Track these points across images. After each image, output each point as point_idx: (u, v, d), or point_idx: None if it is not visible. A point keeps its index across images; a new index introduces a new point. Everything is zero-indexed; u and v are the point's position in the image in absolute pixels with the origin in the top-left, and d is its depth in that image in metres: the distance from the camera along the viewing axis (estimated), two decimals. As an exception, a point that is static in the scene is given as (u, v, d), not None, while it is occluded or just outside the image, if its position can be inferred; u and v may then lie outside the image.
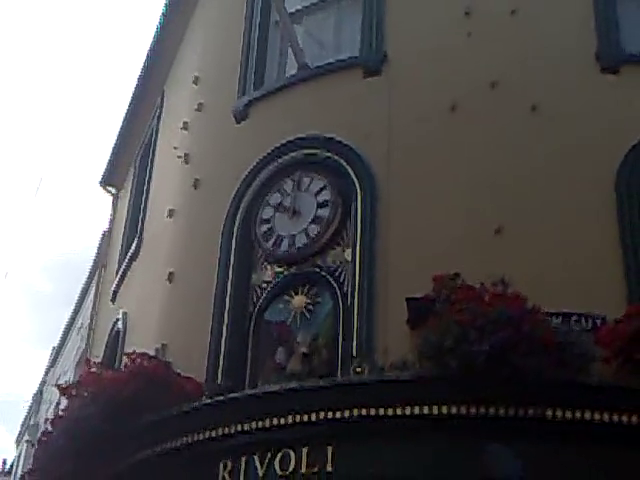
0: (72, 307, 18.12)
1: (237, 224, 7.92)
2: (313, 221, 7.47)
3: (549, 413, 5.72)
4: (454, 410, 5.80)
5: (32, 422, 20.92)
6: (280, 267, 7.53)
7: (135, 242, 10.53)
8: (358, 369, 6.31)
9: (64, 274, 57.43)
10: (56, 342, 20.14)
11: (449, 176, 7.15)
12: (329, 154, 7.65)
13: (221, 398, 6.64)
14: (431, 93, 7.54)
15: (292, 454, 6.14)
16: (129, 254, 10.67)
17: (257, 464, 6.26)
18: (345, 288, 7.03)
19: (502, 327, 5.68)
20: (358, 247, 7.06)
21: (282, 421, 6.21)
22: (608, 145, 7.04)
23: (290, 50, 8.61)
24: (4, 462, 25.62)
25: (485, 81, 7.36)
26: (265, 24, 9.12)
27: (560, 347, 5.75)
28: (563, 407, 5.71)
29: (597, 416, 5.72)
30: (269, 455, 6.22)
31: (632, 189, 6.91)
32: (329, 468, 6.00)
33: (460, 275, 6.36)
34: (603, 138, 7.07)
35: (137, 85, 11.96)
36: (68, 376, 15.36)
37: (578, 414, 5.71)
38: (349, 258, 7.13)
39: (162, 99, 11.25)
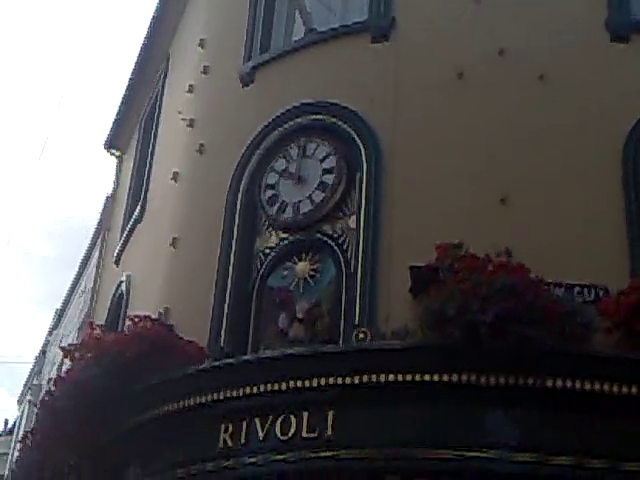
0: (75, 270, 18.17)
1: (242, 189, 7.90)
2: (318, 187, 7.44)
3: (550, 382, 5.74)
4: (455, 378, 5.83)
5: (34, 383, 21.09)
6: (284, 233, 7.52)
7: (139, 206, 10.52)
8: (360, 336, 6.33)
9: (66, 238, 57.50)
10: (59, 305, 20.23)
11: (454, 144, 7.12)
12: (335, 120, 7.60)
13: (223, 362, 6.68)
14: (438, 60, 7.47)
15: (293, 418, 6.19)
16: (133, 218, 10.67)
17: (258, 427, 6.32)
18: (349, 255, 7.03)
19: (505, 297, 5.69)
20: (362, 214, 7.05)
21: (283, 386, 6.24)
22: (616, 115, 6.99)
23: (297, 14, 8.53)
24: (6, 422, 25.87)
25: (493, 49, 7.28)
26: (272, -13, 9.02)
27: (562, 317, 5.76)
28: (564, 377, 5.74)
29: (597, 386, 5.74)
30: (270, 419, 6.27)
31: (638, 159, 6.87)
32: (329, 433, 6.05)
33: (464, 244, 6.35)
34: (611, 107, 7.01)
35: (142, 47, 11.86)
36: (71, 338, 15.44)
37: (578, 384, 5.74)
38: (353, 225, 7.13)
39: (167, 62, 11.17)
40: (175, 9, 10.99)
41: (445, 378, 5.84)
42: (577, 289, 6.24)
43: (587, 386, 5.74)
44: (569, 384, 5.74)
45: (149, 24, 11.55)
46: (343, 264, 7.04)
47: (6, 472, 18.17)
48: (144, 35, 11.73)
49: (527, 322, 5.59)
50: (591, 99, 7.08)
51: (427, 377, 5.88)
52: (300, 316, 6.99)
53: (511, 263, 6.05)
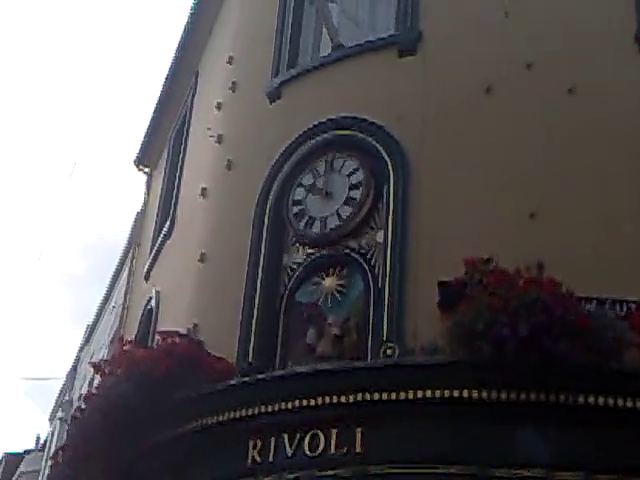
0: (105, 287, 18.30)
1: (269, 205, 7.92)
2: (345, 202, 7.44)
3: (581, 399, 5.67)
4: (485, 394, 5.77)
5: (66, 399, 21.22)
6: (312, 248, 7.52)
7: (168, 222, 10.59)
8: (388, 352, 6.29)
9: (97, 255, 58.10)
10: (89, 321, 20.38)
11: (482, 158, 7.08)
12: (362, 135, 7.60)
13: (251, 378, 6.68)
14: (466, 74, 7.45)
15: (321, 435, 6.17)
16: (162, 233, 10.74)
17: (286, 444, 6.30)
18: (376, 270, 7.00)
19: (535, 312, 5.63)
20: (390, 229, 7.03)
21: (312, 402, 6.23)
22: (646, 127, 6.91)
23: (324, 29, 8.56)
24: (37, 438, 26.06)
25: (521, 62, 7.25)
26: (300, 3, 9.07)
27: (593, 332, 5.68)
28: (595, 393, 5.66)
29: (630, 403, 5.66)
30: (298, 435, 6.25)
31: (670, 172, 6.78)
32: (358, 449, 6.01)
33: (493, 259, 6.30)
34: (641, 120, 6.94)
35: (171, 65, 11.98)
36: (102, 354, 15.53)
37: (611, 400, 5.66)
38: (381, 240, 7.10)
39: (196, 79, 11.26)
40: (204, 26, 11.09)
41: (475, 394, 5.79)
42: (609, 304, 6.15)
43: (620, 403, 5.65)
44: (601, 401, 5.66)
45: (178, 41, 11.67)
46: (371, 279, 7.01)
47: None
48: (173, 52, 11.87)
49: (557, 337, 5.53)
50: (620, 112, 7.01)
51: (456, 393, 5.83)
52: (335, 332, 6.95)
53: (541, 278, 5.99)
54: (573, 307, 5.75)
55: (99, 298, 19.09)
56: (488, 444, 5.73)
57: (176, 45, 11.73)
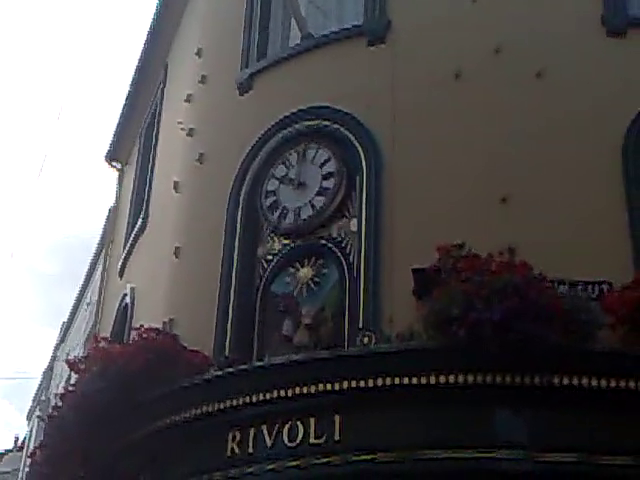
0: (78, 286, 18.20)
1: (242, 197, 7.90)
2: (318, 193, 7.44)
3: (556, 380, 5.72)
4: (461, 379, 5.80)
5: (43, 397, 21.09)
6: (286, 239, 7.52)
7: (141, 217, 10.53)
8: (365, 340, 6.31)
9: (67, 254, 57.60)
10: (64, 319, 20.25)
11: (454, 145, 7.10)
12: (334, 125, 7.60)
13: (229, 371, 6.67)
14: (435, 61, 7.47)
15: (300, 425, 6.17)
16: (135, 229, 10.68)
17: (265, 435, 6.30)
18: (351, 259, 7.03)
19: (508, 295, 5.67)
20: (364, 218, 7.04)
21: (289, 392, 6.23)
22: (615, 110, 6.98)
23: (293, 20, 8.54)
24: (16, 439, 25.90)
25: (490, 47, 7.28)
26: (267, -6, 9.03)
27: (566, 314, 5.74)
28: (569, 374, 5.71)
29: (604, 383, 5.72)
30: (277, 426, 6.26)
31: (639, 154, 6.85)
32: (337, 438, 6.03)
33: (465, 245, 6.34)
34: (610, 103, 7.00)
35: (140, 58, 11.90)
36: (78, 351, 15.43)
37: (585, 381, 5.71)
38: (355, 229, 7.12)
39: (165, 72, 11.19)
40: (172, 19, 11.02)
41: (451, 379, 5.82)
42: (581, 286, 6.21)
43: (593, 383, 5.71)
44: (575, 381, 5.71)
45: (146, 35, 11.59)
46: (346, 268, 7.03)
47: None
48: (141, 46, 11.78)
49: (531, 320, 5.58)
50: (589, 95, 7.07)
51: (433, 379, 5.86)
52: (307, 322, 6.97)
53: (514, 262, 6.04)
54: (546, 290, 5.81)
55: (72, 296, 18.99)
56: (466, 428, 5.76)
57: (144, 38, 11.65)
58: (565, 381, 5.71)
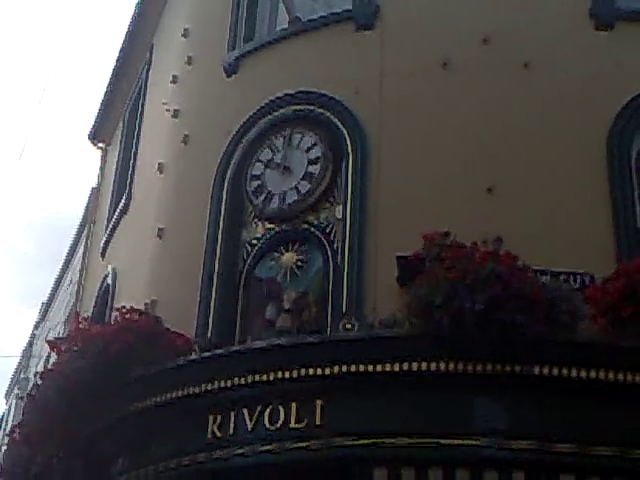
0: (57, 266, 18.11)
1: (227, 180, 7.88)
2: (304, 178, 7.43)
3: (536, 370, 5.76)
4: (442, 366, 5.84)
5: (22, 376, 21.01)
6: (270, 224, 7.51)
7: (124, 197, 10.47)
8: (347, 326, 6.32)
9: (47, 234, 57.11)
10: (42, 299, 20.17)
11: (441, 133, 7.12)
12: (320, 110, 7.59)
13: (210, 353, 6.66)
14: (424, 48, 7.47)
15: (281, 409, 6.19)
16: (118, 209, 10.62)
17: (246, 418, 6.31)
18: (335, 245, 7.03)
19: (491, 284, 5.70)
20: (349, 204, 7.05)
21: (271, 376, 6.24)
22: (601, 102, 7.02)
23: (281, 3, 8.49)
24: (-6, 416, 25.80)
25: (478, 37, 7.29)
26: (256, -24, 8.97)
27: (549, 305, 5.77)
28: (551, 364, 5.76)
29: (584, 373, 5.76)
30: (258, 410, 6.26)
31: (623, 147, 6.90)
32: (318, 422, 6.05)
33: (450, 233, 6.36)
34: (596, 95, 7.04)
35: (125, 38, 11.79)
36: (58, 331, 15.39)
37: (565, 371, 5.76)
38: (340, 215, 7.12)
39: (151, 52, 11.10)
40: (158, -1, 10.92)
41: (433, 367, 5.85)
42: (563, 276, 6.26)
43: (574, 373, 5.76)
44: (555, 371, 5.76)
45: (132, 14, 11.47)
46: (330, 254, 7.03)
47: (-6, 466, 18.08)
48: (127, 25, 11.66)
49: (514, 310, 5.61)
50: (576, 87, 7.10)
51: (415, 366, 5.88)
52: (287, 306, 6.98)
53: (498, 251, 6.07)
54: (529, 280, 5.84)
55: (49, 276, 18.90)
56: (447, 415, 5.80)
57: (130, 18, 11.54)
58: (545, 371, 5.75)
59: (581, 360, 5.80)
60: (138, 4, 11.28)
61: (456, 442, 5.72)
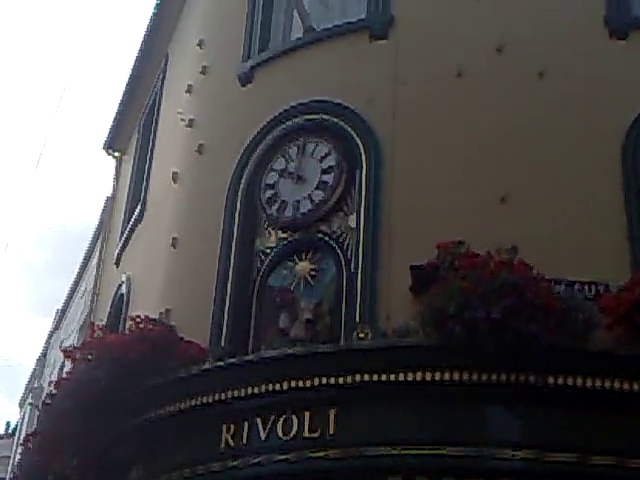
0: (72, 274, 18.19)
1: (241, 189, 7.90)
2: (317, 187, 7.44)
3: (551, 380, 5.74)
4: (456, 376, 5.82)
5: (36, 385, 21.08)
6: (284, 233, 7.52)
7: (139, 206, 10.51)
8: (361, 335, 6.31)
9: (58, 243, 57.40)
10: (55, 307, 20.25)
11: (454, 142, 7.11)
12: (334, 119, 7.60)
13: (224, 362, 6.66)
14: (438, 58, 7.47)
15: (294, 418, 6.18)
16: (133, 218, 10.66)
17: (260, 428, 6.31)
18: (349, 254, 7.03)
19: (505, 294, 5.68)
20: (362, 213, 7.04)
21: (284, 386, 6.24)
22: (615, 111, 6.99)
23: (296, 13, 8.52)
24: (7, 425, 25.92)
25: (492, 46, 7.28)
26: (271, -14, 9.01)
27: (563, 314, 5.75)
28: (565, 374, 5.73)
29: (598, 383, 5.74)
30: (272, 419, 6.27)
31: (638, 155, 6.88)
32: (331, 432, 6.04)
33: (464, 242, 6.34)
34: (610, 104, 7.01)
35: (141, 48, 11.86)
36: (72, 340, 15.43)
37: (580, 381, 5.73)
38: (353, 224, 7.12)
39: (166, 62, 11.17)
40: (173, 9, 10.99)
41: (446, 376, 5.83)
42: (578, 286, 6.23)
43: (588, 383, 5.73)
44: (570, 381, 5.73)
45: (147, 24, 11.54)
46: (343, 263, 7.03)
47: (8, 475, 18.16)
48: (143, 35, 11.73)
49: (528, 319, 5.59)
50: (590, 96, 7.08)
51: (429, 375, 5.87)
52: (308, 317, 6.97)
53: (512, 260, 6.04)
54: (543, 289, 5.81)
55: (63, 285, 19.02)
56: (460, 425, 5.79)
57: (146, 28, 11.61)
58: (560, 381, 5.72)
59: (596, 370, 5.76)
60: (153, 15, 11.35)
61: (470, 452, 5.69)
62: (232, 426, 6.44)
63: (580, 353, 5.79)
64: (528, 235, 6.45)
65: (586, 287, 6.28)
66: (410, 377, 5.90)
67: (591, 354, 5.81)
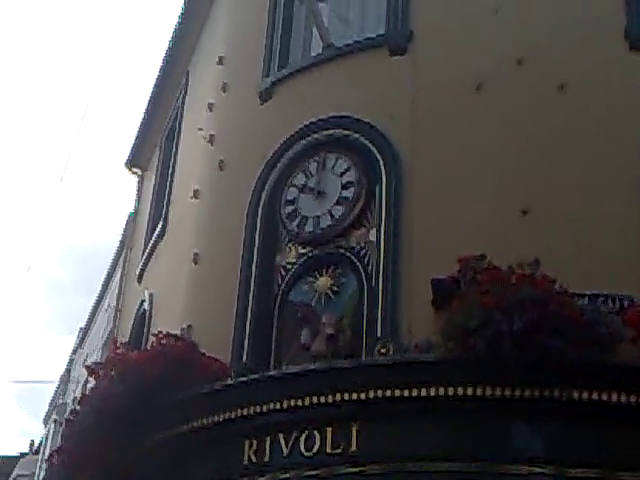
0: (95, 291, 18.32)
1: (262, 205, 7.92)
2: (338, 202, 7.44)
3: (575, 394, 5.68)
4: (479, 391, 5.78)
5: (60, 402, 21.18)
6: (304, 248, 7.52)
7: (160, 223, 10.57)
8: (382, 350, 6.30)
9: (83, 260, 57.84)
10: (79, 325, 20.38)
11: (474, 156, 7.09)
12: (354, 134, 7.61)
13: (246, 378, 6.67)
14: (457, 72, 7.46)
15: (317, 434, 6.16)
16: (155, 235, 10.72)
17: (282, 444, 6.29)
18: (370, 269, 7.01)
19: (528, 308, 5.64)
20: (383, 228, 7.03)
21: (307, 401, 6.22)
22: (636, 122, 6.93)
23: (315, 29, 8.56)
24: (32, 443, 26.08)
25: (511, 59, 7.26)
26: (290, 3, 9.07)
27: (587, 328, 5.70)
28: (589, 388, 5.68)
29: (624, 398, 5.67)
30: (294, 435, 6.25)
31: (661, 168, 6.81)
32: (353, 448, 6.01)
33: (486, 256, 6.31)
34: (631, 116, 6.96)
35: (162, 66, 11.96)
36: (95, 356, 15.51)
37: (605, 395, 5.67)
38: (374, 239, 7.11)
39: (187, 79, 11.25)
40: (194, 27, 11.08)
41: (469, 391, 5.80)
42: (601, 299, 6.17)
43: (613, 397, 5.67)
44: (595, 396, 5.67)
45: (168, 42, 11.65)
46: (364, 278, 7.02)
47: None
48: (163, 53, 11.84)
49: (551, 333, 5.54)
50: (611, 108, 7.03)
51: (451, 390, 5.83)
52: (329, 332, 6.95)
53: (534, 274, 6.00)
54: (566, 303, 5.77)
55: (85, 302, 19.20)
56: (483, 441, 5.74)
57: (166, 46, 11.72)
58: (585, 395, 5.67)
59: (621, 384, 5.70)
60: (174, 33, 11.45)
61: (493, 468, 5.64)
62: (254, 442, 6.43)
63: (604, 367, 5.73)
64: (550, 248, 6.40)
65: (610, 300, 6.21)
66: (432, 392, 5.87)
67: (616, 368, 5.74)
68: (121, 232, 15.58)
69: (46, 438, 22.15)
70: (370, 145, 7.46)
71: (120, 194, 57.21)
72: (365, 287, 6.97)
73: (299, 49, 8.91)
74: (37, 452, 23.78)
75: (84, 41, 58.96)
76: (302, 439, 6.21)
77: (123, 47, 48.82)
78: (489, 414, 5.78)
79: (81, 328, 20.55)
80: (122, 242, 15.40)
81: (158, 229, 10.60)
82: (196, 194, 9.07)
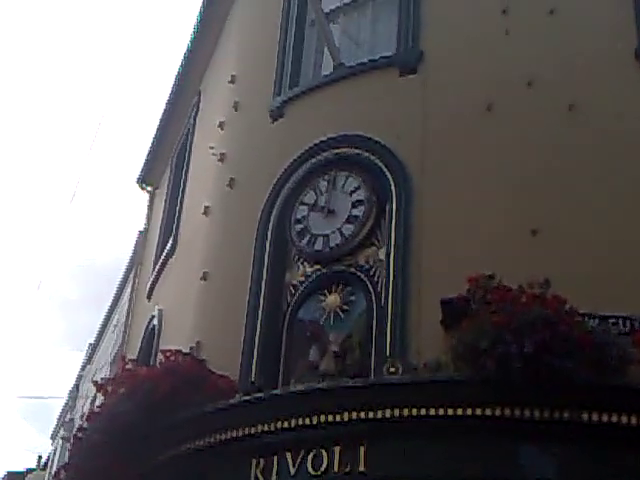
0: (103, 308, 18.37)
1: (272, 223, 7.94)
2: (347, 220, 7.45)
3: (585, 416, 5.65)
4: (488, 412, 5.75)
5: (68, 418, 21.17)
6: (314, 266, 7.53)
7: (171, 240, 10.61)
8: (391, 369, 6.28)
9: (88, 278, 58.00)
10: (88, 341, 20.41)
11: (484, 176, 7.10)
12: (364, 153, 7.63)
13: (254, 396, 6.65)
14: (467, 92, 7.49)
15: (324, 453, 6.14)
16: (165, 252, 10.75)
17: (289, 463, 6.27)
18: (379, 287, 7.01)
19: (539, 328, 5.62)
20: (392, 246, 7.04)
21: (314, 420, 6.20)
22: (647, 145, 6.93)
23: (326, 49, 8.61)
24: (39, 458, 26.03)
25: (522, 80, 7.29)
26: (301, 23, 9.14)
27: (597, 349, 5.67)
28: (599, 410, 5.64)
29: (634, 420, 5.63)
30: (301, 454, 6.23)
31: (672, 189, 6.79)
32: (361, 468, 5.99)
33: (496, 276, 6.29)
34: (642, 137, 6.96)
35: (174, 84, 12.05)
36: (104, 372, 15.51)
37: (614, 417, 5.64)
38: (383, 257, 7.11)
39: (199, 98, 11.32)
40: (207, 46, 11.16)
41: (478, 412, 5.77)
42: (612, 320, 6.14)
43: (624, 419, 5.63)
44: (605, 417, 5.64)
45: (181, 61, 11.74)
46: (373, 296, 7.01)
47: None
48: (176, 72, 11.93)
49: (561, 354, 5.52)
50: (621, 129, 7.03)
51: (460, 411, 5.81)
52: (335, 349, 6.95)
53: (544, 294, 5.98)
54: (576, 324, 5.75)
55: (93, 319, 19.22)
56: (493, 461, 5.70)
57: (179, 64, 11.80)
58: (595, 417, 5.64)
59: (632, 406, 5.66)
60: (187, 52, 11.54)
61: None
62: (262, 460, 6.41)
63: (615, 389, 5.70)
64: (560, 269, 6.38)
65: (620, 321, 6.18)
66: (441, 412, 5.84)
67: (627, 389, 5.71)
68: (131, 249, 15.62)
69: (54, 454, 22.13)
70: (380, 164, 7.48)
71: (131, 211, 57.39)
72: (374, 306, 6.97)
73: (310, 68, 8.96)
74: (45, 468, 23.73)
75: (98, 59, 59.42)
76: (309, 458, 6.18)
77: (136, 65, 49.16)
78: (498, 434, 5.75)
79: (90, 344, 20.56)
80: (132, 259, 15.44)
81: (168, 246, 10.63)
82: (207, 211, 9.11)
